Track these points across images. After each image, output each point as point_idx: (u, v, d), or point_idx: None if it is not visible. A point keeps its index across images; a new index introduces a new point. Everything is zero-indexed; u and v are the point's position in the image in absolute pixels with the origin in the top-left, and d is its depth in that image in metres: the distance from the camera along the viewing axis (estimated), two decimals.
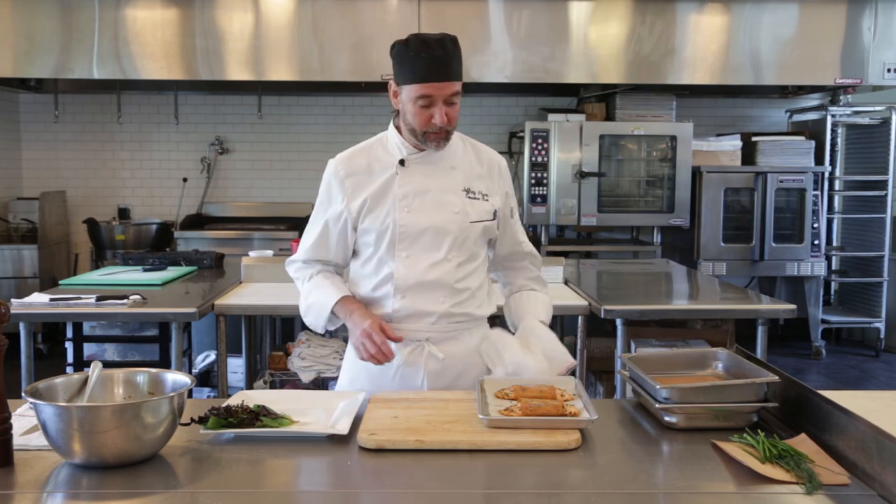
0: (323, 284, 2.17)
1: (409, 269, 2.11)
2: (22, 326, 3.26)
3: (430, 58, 1.96)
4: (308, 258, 2.22)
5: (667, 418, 1.76)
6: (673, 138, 6.12)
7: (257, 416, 1.73)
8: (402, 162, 2.12)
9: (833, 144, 6.54)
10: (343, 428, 1.70)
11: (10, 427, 1.53)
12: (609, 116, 6.36)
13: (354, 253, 2.22)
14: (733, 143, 6.31)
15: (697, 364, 2.01)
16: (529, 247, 2.32)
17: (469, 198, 2.14)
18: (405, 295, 2.11)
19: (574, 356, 3.66)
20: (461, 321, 2.16)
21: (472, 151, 2.22)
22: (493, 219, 2.18)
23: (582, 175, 6.05)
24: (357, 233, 2.15)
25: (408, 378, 2.14)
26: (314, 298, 2.17)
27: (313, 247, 2.20)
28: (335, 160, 2.18)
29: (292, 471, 1.60)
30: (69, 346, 3.76)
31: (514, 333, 2.20)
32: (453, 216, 2.11)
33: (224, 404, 1.77)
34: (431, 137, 2.06)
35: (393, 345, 2.09)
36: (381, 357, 2.02)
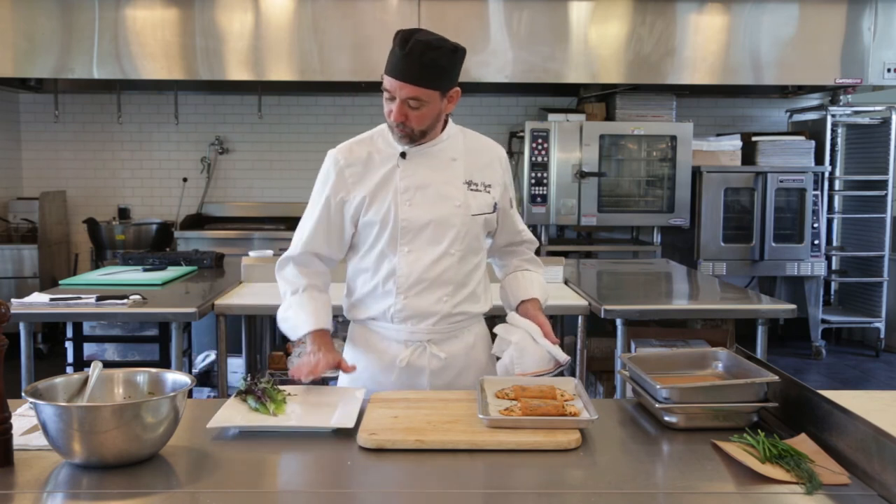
0: (305, 306, 2.14)
1: (412, 264, 2.10)
2: (22, 326, 3.26)
3: (399, 54, 1.99)
4: (304, 251, 2.17)
5: (667, 418, 1.76)
6: (673, 138, 6.12)
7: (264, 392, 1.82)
8: (403, 155, 2.12)
9: (833, 144, 6.54)
10: (348, 422, 1.72)
11: (10, 427, 1.53)
12: (609, 116, 6.36)
13: (353, 247, 2.20)
14: (733, 143, 6.30)
15: (697, 364, 2.01)
16: (527, 235, 2.34)
17: (471, 190, 2.14)
18: (407, 295, 2.11)
19: (574, 356, 3.68)
20: (461, 320, 2.17)
21: (472, 143, 2.22)
22: (493, 211, 2.19)
23: (582, 175, 6.05)
24: (358, 226, 2.14)
25: (411, 378, 2.15)
26: (293, 314, 2.15)
27: (310, 238, 2.17)
28: (335, 150, 2.18)
29: (292, 471, 1.61)
30: (69, 346, 3.76)
31: (510, 312, 2.22)
32: (455, 209, 2.11)
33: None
34: (394, 131, 2.08)
35: (395, 345, 2.14)
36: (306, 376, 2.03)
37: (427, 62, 1.97)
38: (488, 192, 2.17)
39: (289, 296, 2.18)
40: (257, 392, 1.83)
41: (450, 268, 2.11)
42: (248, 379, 1.88)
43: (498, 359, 2.14)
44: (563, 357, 2.06)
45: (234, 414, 1.78)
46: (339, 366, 2.06)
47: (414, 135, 2.07)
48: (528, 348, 2.07)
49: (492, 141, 2.28)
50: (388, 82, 2.02)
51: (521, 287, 2.26)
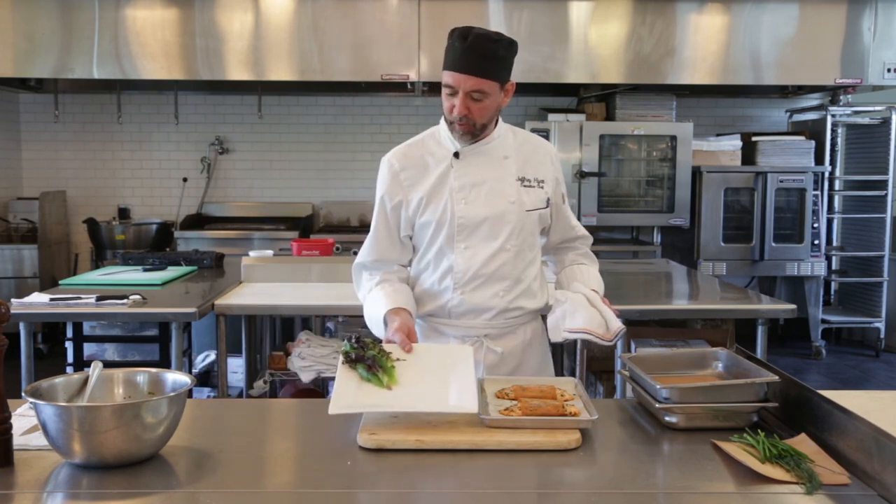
0: (377, 297, 2.15)
1: (469, 260, 2.14)
2: (22, 326, 3.26)
3: (459, 48, 2.04)
4: (372, 258, 2.23)
5: (667, 418, 1.76)
6: (673, 138, 6.12)
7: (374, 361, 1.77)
8: (456, 154, 2.15)
9: (833, 144, 6.54)
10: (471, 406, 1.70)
11: (10, 427, 1.53)
12: (609, 116, 6.36)
13: (414, 248, 2.24)
14: (733, 143, 6.30)
15: (697, 364, 2.01)
16: (581, 230, 2.37)
17: (524, 186, 2.18)
18: (464, 290, 2.15)
19: (574, 356, 3.68)
20: (517, 316, 2.21)
21: (523, 140, 2.27)
22: (547, 206, 2.23)
23: (582, 175, 6.05)
24: (415, 227, 2.18)
25: None
26: (369, 310, 2.18)
27: (374, 246, 2.22)
28: (389, 155, 2.22)
29: (292, 471, 1.61)
30: (69, 346, 3.76)
31: (574, 282, 2.25)
32: (510, 206, 2.15)
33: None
34: (455, 127, 2.10)
35: (452, 341, 2.17)
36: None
37: (489, 54, 2.05)
38: (541, 187, 2.21)
39: (366, 299, 2.20)
40: (367, 361, 1.79)
41: (506, 263, 2.15)
42: (354, 343, 1.82)
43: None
44: (616, 324, 2.03)
45: (349, 390, 1.73)
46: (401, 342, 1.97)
47: (475, 129, 2.11)
48: (583, 306, 2.08)
49: (541, 138, 2.35)
50: (451, 77, 2.05)
51: (578, 280, 2.25)
